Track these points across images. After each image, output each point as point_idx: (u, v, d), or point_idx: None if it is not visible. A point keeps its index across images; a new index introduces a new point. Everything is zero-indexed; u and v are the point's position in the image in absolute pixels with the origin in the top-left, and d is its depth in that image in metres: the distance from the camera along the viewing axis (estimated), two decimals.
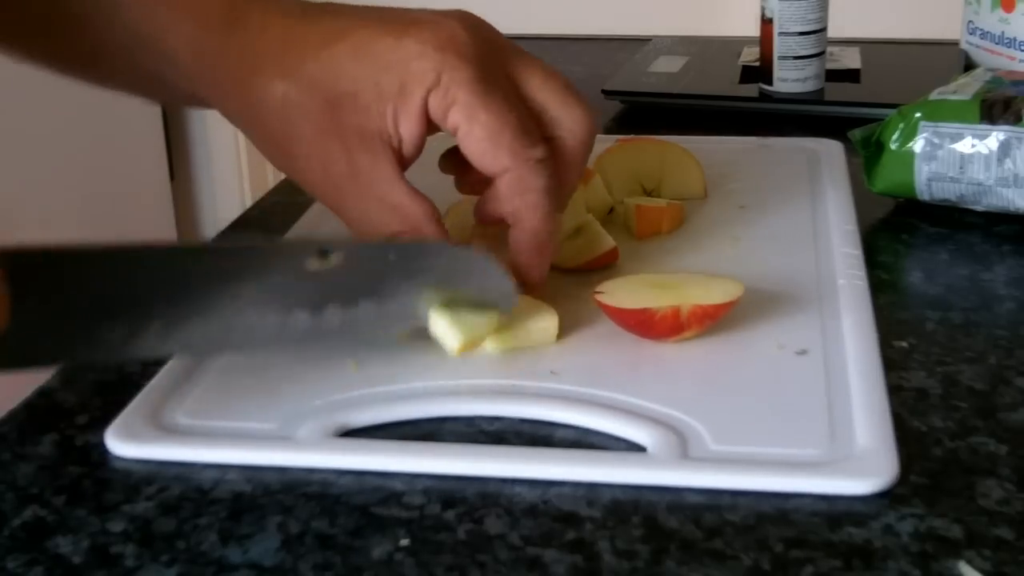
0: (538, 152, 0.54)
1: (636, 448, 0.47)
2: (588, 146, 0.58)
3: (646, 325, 0.53)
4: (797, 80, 0.91)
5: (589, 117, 0.57)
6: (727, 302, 0.53)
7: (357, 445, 0.48)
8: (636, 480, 0.45)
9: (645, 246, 0.65)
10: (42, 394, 0.54)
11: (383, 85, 0.54)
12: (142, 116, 2.05)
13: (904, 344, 0.55)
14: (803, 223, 0.67)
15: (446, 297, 0.53)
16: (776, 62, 0.91)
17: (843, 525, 0.43)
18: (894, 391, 0.51)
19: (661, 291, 0.54)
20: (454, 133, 0.54)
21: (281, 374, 0.53)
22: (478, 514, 0.44)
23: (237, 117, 0.57)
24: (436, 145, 0.57)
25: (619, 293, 0.54)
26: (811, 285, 0.59)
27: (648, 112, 0.94)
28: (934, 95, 0.70)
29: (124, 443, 0.49)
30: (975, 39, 0.95)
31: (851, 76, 0.97)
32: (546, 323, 0.55)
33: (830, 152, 0.77)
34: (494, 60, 0.55)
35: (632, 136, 0.74)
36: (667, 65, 1.00)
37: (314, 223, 0.69)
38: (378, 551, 0.43)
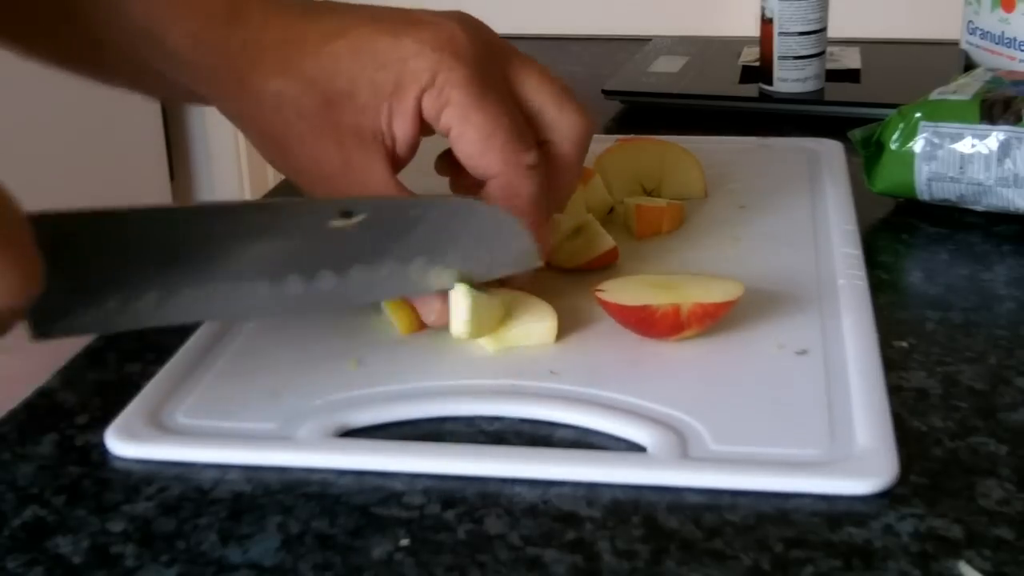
0: (529, 158, 0.54)
1: (636, 448, 0.47)
2: (583, 150, 0.58)
3: (647, 323, 0.53)
4: (797, 80, 0.91)
5: (585, 121, 0.57)
6: (727, 301, 0.53)
7: (357, 445, 0.48)
8: (636, 480, 0.45)
9: (645, 246, 0.65)
10: (42, 394, 0.54)
11: (379, 84, 0.54)
12: (142, 116, 2.05)
13: (904, 344, 0.55)
14: (803, 223, 0.67)
15: (468, 255, 0.53)
16: (776, 62, 0.91)
17: (843, 525, 0.43)
18: (894, 391, 0.51)
19: (662, 290, 0.54)
20: (447, 134, 0.54)
21: (281, 374, 0.53)
22: (478, 514, 0.44)
23: (234, 113, 0.57)
24: (437, 146, 0.57)
25: (620, 292, 0.54)
26: (811, 285, 0.59)
27: (648, 112, 0.94)
28: (934, 95, 0.70)
29: (124, 443, 0.49)
30: (975, 39, 0.95)
31: (851, 76, 0.97)
32: (545, 323, 0.55)
33: (830, 152, 0.77)
34: (491, 62, 0.55)
35: (632, 136, 0.74)
36: (667, 65, 1.00)
37: None
38: (378, 551, 0.43)
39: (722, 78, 0.98)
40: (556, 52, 1.13)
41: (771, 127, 0.86)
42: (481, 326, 0.53)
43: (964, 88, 0.70)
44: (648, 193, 0.71)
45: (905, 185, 0.70)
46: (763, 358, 0.53)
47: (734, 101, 0.93)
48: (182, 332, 0.56)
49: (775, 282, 0.59)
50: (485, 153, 0.54)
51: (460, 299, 0.52)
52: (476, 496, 0.45)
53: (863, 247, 0.63)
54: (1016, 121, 0.66)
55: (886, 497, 0.44)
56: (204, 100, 0.59)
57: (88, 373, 0.55)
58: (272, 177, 2.26)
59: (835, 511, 0.44)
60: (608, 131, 0.88)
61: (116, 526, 0.44)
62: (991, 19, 0.93)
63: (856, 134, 0.72)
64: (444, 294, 0.53)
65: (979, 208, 0.69)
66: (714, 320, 0.54)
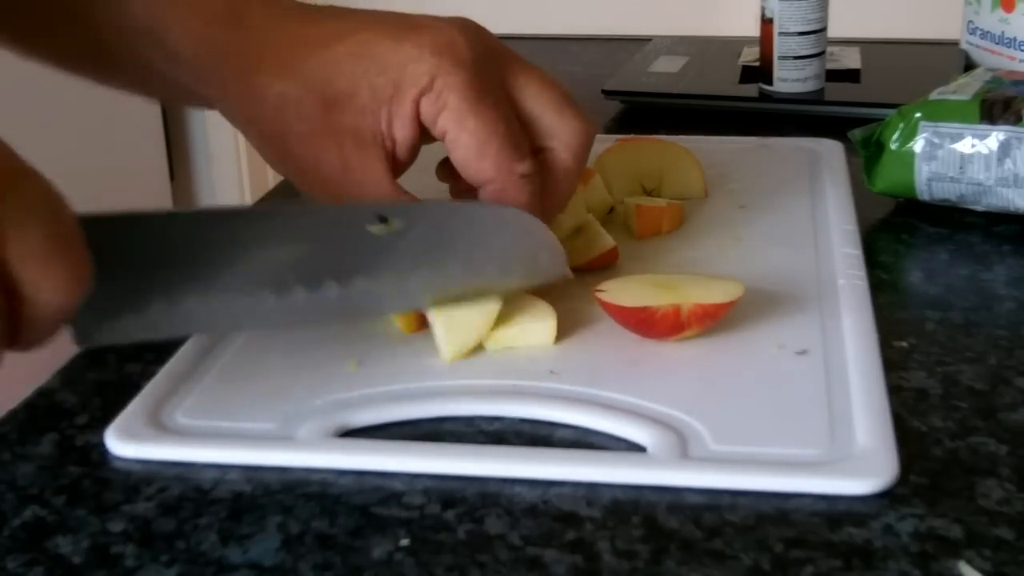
0: (523, 167, 0.54)
1: (636, 448, 0.47)
2: (583, 158, 0.57)
3: (647, 324, 0.53)
4: (797, 80, 0.91)
5: (585, 128, 0.57)
6: (727, 302, 0.53)
7: (357, 445, 0.48)
8: (636, 480, 0.45)
9: (645, 246, 0.65)
10: (42, 394, 0.54)
11: (379, 87, 0.54)
12: (142, 116, 2.05)
13: (904, 344, 0.55)
14: (803, 223, 0.67)
15: (499, 265, 0.53)
16: (776, 62, 0.91)
17: (843, 525, 0.43)
18: (894, 391, 0.51)
19: (662, 290, 0.54)
20: (442, 139, 0.54)
21: (281, 374, 0.53)
22: (478, 514, 0.44)
23: (235, 115, 0.57)
24: (437, 147, 0.57)
25: (620, 292, 0.54)
26: (811, 285, 0.59)
27: (648, 112, 0.94)
28: (934, 95, 0.70)
29: (124, 443, 0.49)
30: (975, 39, 0.95)
31: (851, 76, 0.97)
32: (545, 323, 0.55)
33: (830, 152, 0.77)
34: (491, 68, 0.55)
35: (632, 136, 0.74)
36: (667, 65, 1.00)
37: None
38: (378, 551, 0.43)
39: (722, 78, 0.98)
40: (556, 52, 1.13)
41: (771, 127, 0.86)
42: (465, 344, 0.53)
43: (964, 88, 0.70)
44: (648, 193, 0.71)
45: (905, 185, 0.70)
46: (763, 358, 0.53)
47: (734, 101, 0.93)
48: None
49: (775, 282, 0.59)
50: (479, 160, 0.54)
51: (436, 323, 0.52)
52: (476, 496, 0.45)
53: (863, 247, 0.63)
54: (1016, 121, 0.66)
55: (886, 497, 0.44)
56: (205, 101, 0.59)
57: (88, 373, 0.55)
58: (272, 178, 2.26)
59: (835, 511, 0.44)
60: (608, 131, 0.88)
61: (116, 526, 0.44)
62: (991, 19, 0.93)
63: (856, 134, 0.72)
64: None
65: (979, 208, 0.69)
66: (714, 320, 0.54)
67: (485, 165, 0.54)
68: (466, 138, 0.54)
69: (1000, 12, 0.92)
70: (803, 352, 0.53)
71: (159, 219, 0.48)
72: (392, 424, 0.50)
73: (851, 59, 1.00)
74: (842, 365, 0.52)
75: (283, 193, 0.79)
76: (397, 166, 0.55)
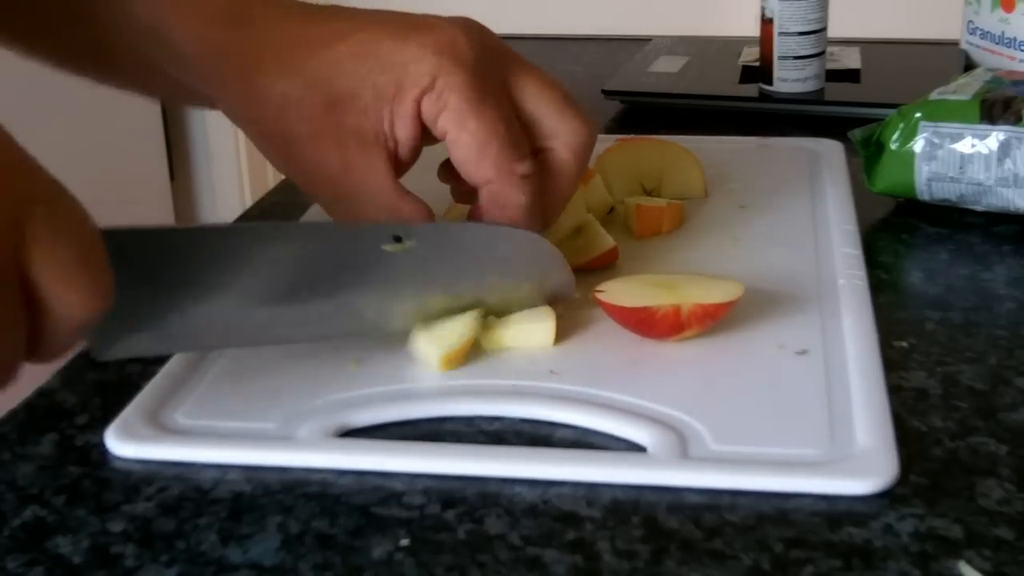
0: (523, 168, 0.54)
1: (636, 448, 0.47)
2: (583, 159, 0.57)
3: (647, 324, 0.53)
4: (797, 80, 0.91)
5: (586, 129, 0.57)
6: (727, 301, 0.53)
7: (357, 445, 0.48)
8: (636, 480, 0.45)
9: (645, 246, 0.65)
10: (42, 394, 0.54)
11: (381, 86, 0.54)
12: (142, 116, 2.05)
13: (904, 344, 0.55)
14: (803, 223, 0.67)
15: (508, 284, 0.54)
16: (776, 62, 0.91)
17: (843, 525, 0.43)
18: (894, 391, 0.51)
19: (662, 290, 0.54)
20: (443, 138, 0.54)
21: (281, 374, 0.53)
22: (478, 514, 0.44)
23: (237, 114, 0.57)
24: (439, 148, 0.57)
25: (620, 292, 0.54)
26: (811, 285, 0.59)
27: (648, 112, 0.94)
28: (934, 95, 0.70)
29: (124, 443, 0.49)
30: (975, 39, 0.95)
31: (851, 76, 0.97)
32: (544, 324, 0.54)
33: (830, 152, 0.77)
34: (493, 68, 0.55)
35: (632, 136, 0.74)
36: (667, 65, 1.00)
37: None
38: (378, 551, 0.43)
39: (722, 78, 0.98)
40: (556, 52, 1.13)
41: (771, 127, 0.86)
42: (453, 360, 0.52)
43: (964, 88, 0.70)
44: (648, 193, 0.71)
45: (905, 185, 0.70)
46: (763, 358, 0.53)
47: (734, 101, 0.93)
48: None
49: (775, 282, 0.59)
50: (479, 160, 0.54)
51: (421, 343, 0.53)
52: (476, 496, 0.45)
53: (863, 247, 0.63)
54: (1016, 121, 0.66)
55: (886, 497, 0.44)
56: (207, 101, 0.59)
57: (88, 373, 0.55)
58: (272, 177, 2.26)
59: (835, 511, 0.44)
60: (608, 131, 0.88)
61: (116, 526, 0.44)
62: (991, 19, 0.93)
63: (856, 134, 0.72)
64: None
65: (979, 208, 0.69)
66: (714, 320, 0.54)
67: (485, 165, 0.54)
68: (466, 138, 0.54)
69: (1000, 12, 0.92)
70: (803, 352, 0.53)
71: (176, 234, 0.49)
72: (392, 424, 0.50)
73: (851, 59, 1.00)
74: (842, 365, 0.52)
75: (283, 192, 0.79)
76: (399, 166, 0.55)
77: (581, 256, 0.61)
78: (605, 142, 0.71)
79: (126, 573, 0.42)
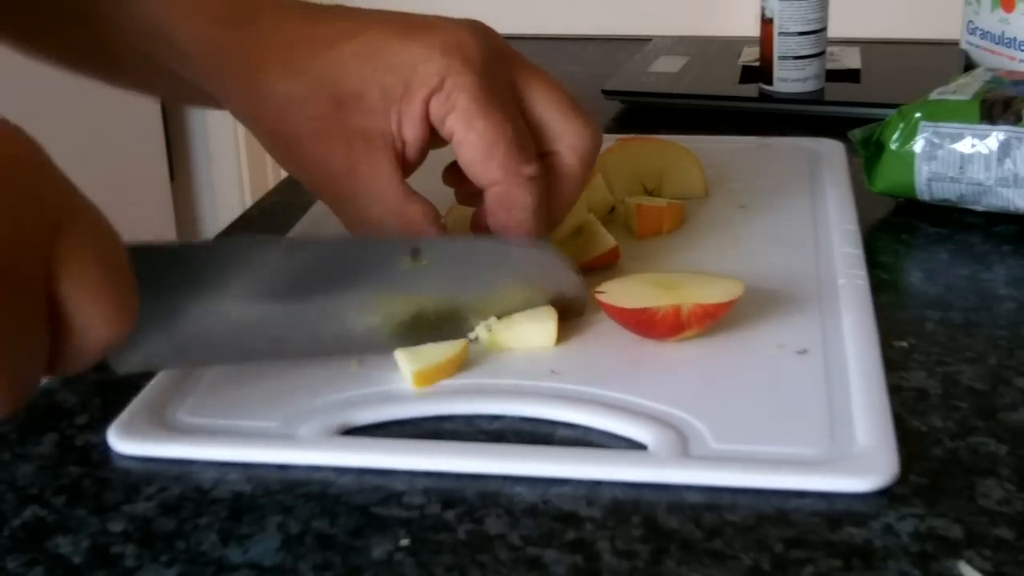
0: (530, 169, 0.54)
1: (637, 447, 0.47)
2: (588, 163, 0.57)
3: (647, 324, 0.53)
4: (797, 80, 0.91)
5: (591, 133, 0.57)
6: (728, 301, 0.53)
7: (358, 443, 0.48)
8: (636, 478, 0.45)
9: (646, 245, 0.65)
10: (42, 394, 0.54)
11: (388, 87, 0.54)
12: (142, 116, 2.05)
13: (904, 344, 0.55)
14: (803, 222, 0.67)
15: (525, 297, 0.55)
16: (776, 62, 0.91)
17: (843, 525, 0.43)
18: (894, 391, 0.51)
19: (662, 290, 0.54)
20: (450, 139, 0.54)
21: (283, 373, 0.53)
22: (478, 514, 0.44)
23: (242, 113, 0.57)
24: (443, 150, 0.57)
25: (620, 293, 0.54)
26: (811, 284, 0.59)
27: (648, 112, 0.94)
28: (934, 95, 0.70)
29: (126, 441, 0.49)
30: (975, 39, 0.95)
31: (851, 76, 0.97)
32: (545, 325, 0.54)
33: (830, 151, 0.77)
34: (500, 70, 0.55)
35: (633, 135, 0.74)
36: (667, 65, 1.00)
37: (315, 224, 0.69)
38: (378, 551, 0.43)
39: (722, 78, 0.98)
40: (555, 52, 1.13)
41: (771, 127, 0.86)
42: (431, 377, 0.52)
43: (964, 88, 0.70)
44: (649, 192, 0.71)
45: (905, 185, 0.70)
46: (763, 357, 0.53)
47: (734, 101, 0.93)
48: None
49: (775, 282, 0.59)
50: (486, 161, 0.54)
51: (400, 356, 0.53)
52: (476, 496, 0.45)
53: (863, 247, 0.63)
54: (1016, 121, 0.66)
55: (886, 497, 0.44)
56: (213, 100, 0.59)
57: (88, 373, 0.55)
58: (272, 177, 2.26)
59: (835, 511, 0.44)
60: (608, 131, 0.87)
61: (116, 526, 0.44)
62: (991, 19, 0.93)
63: (856, 134, 0.72)
64: None
65: (979, 208, 0.69)
66: (714, 320, 0.54)
67: (492, 166, 0.54)
68: (474, 139, 0.53)
69: (1000, 12, 0.92)
70: (803, 351, 0.53)
71: (196, 249, 0.49)
72: (392, 424, 0.50)
73: (851, 59, 1.00)
74: (842, 364, 0.52)
75: (283, 192, 0.79)
76: (406, 167, 0.55)
77: (582, 256, 0.61)
78: (606, 142, 0.71)
79: (126, 573, 0.42)
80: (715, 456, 0.46)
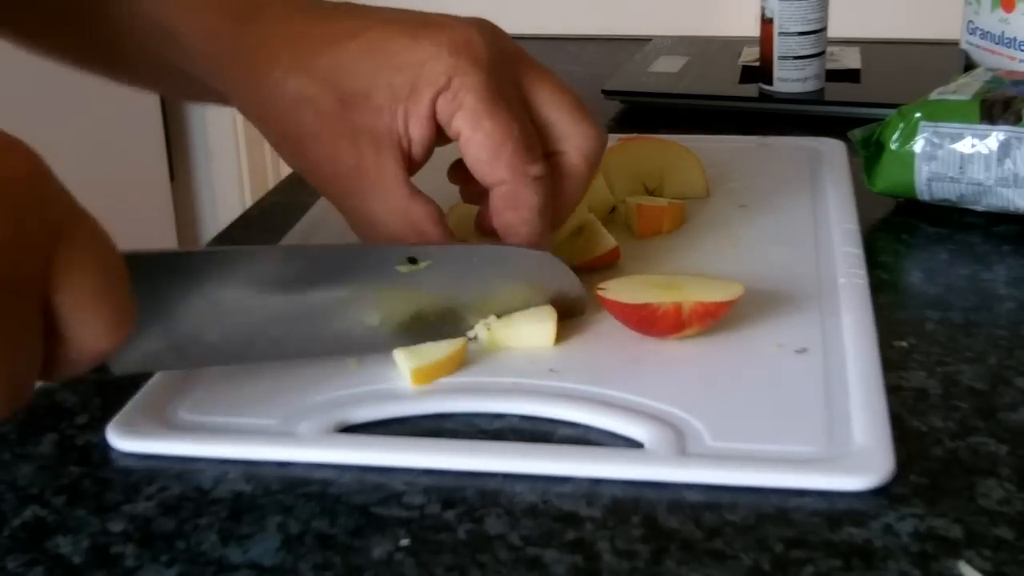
0: (536, 169, 0.54)
1: (635, 445, 0.47)
2: (593, 163, 0.57)
3: (648, 321, 0.53)
4: (797, 80, 0.91)
5: (597, 134, 0.57)
6: (728, 300, 0.53)
7: (358, 441, 0.48)
8: (632, 476, 0.46)
9: (646, 245, 0.65)
10: (42, 394, 0.54)
11: (395, 86, 0.54)
12: (142, 116, 2.05)
13: (904, 344, 0.55)
14: (804, 222, 0.67)
15: (525, 296, 0.55)
16: (776, 62, 0.91)
17: (843, 525, 0.43)
18: (894, 391, 0.51)
19: (663, 290, 0.54)
20: (457, 138, 0.54)
21: (283, 370, 0.53)
22: (478, 514, 0.44)
23: (249, 110, 0.57)
24: (449, 148, 0.57)
25: (621, 290, 0.54)
26: (811, 284, 0.59)
27: (648, 112, 0.94)
28: (934, 95, 0.70)
29: (126, 439, 0.49)
30: (975, 39, 0.95)
31: (851, 76, 0.97)
32: (545, 324, 0.55)
33: (831, 151, 0.77)
34: (507, 69, 0.55)
35: (634, 135, 0.74)
36: (667, 65, 1.00)
37: (314, 224, 0.69)
38: (378, 551, 0.43)
39: (722, 78, 0.98)
40: (556, 52, 1.13)
41: (771, 127, 0.86)
42: (429, 375, 0.52)
43: (964, 88, 0.70)
44: (650, 192, 0.71)
45: (905, 185, 0.70)
46: (762, 356, 0.53)
47: (734, 101, 0.93)
48: None
49: (775, 281, 0.59)
50: (493, 161, 0.54)
51: (398, 354, 0.53)
52: (476, 496, 0.45)
53: (863, 247, 0.63)
54: (1016, 121, 0.66)
55: (886, 497, 0.44)
56: (221, 97, 0.59)
57: (88, 373, 0.55)
58: (272, 178, 2.26)
59: (835, 511, 0.44)
60: (608, 131, 0.87)
61: (116, 526, 0.44)
62: (991, 19, 0.93)
63: (856, 134, 0.72)
64: None
65: (979, 208, 0.69)
66: (715, 319, 0.54)
67: (499, 166, 0.54)
68: (481, 138, 0.54)
69: (1000, 12, 0.92)
70: (802, 351, 0.53)
71: (192, 256, 0.49)
72: (392, 422, 0.50)
73: (851, 59, 1.00)
74: (841, 363, 0.52)
75: (283, 192, 0.79)
76: (411, 165, 0.55)
77: (582, 255, 0.61)
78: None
79: (126, 573, 0.42)
80: (712, 454, 0.46)
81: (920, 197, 0.70)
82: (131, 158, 2.03)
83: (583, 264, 0.61)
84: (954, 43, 0.98)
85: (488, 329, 0.54)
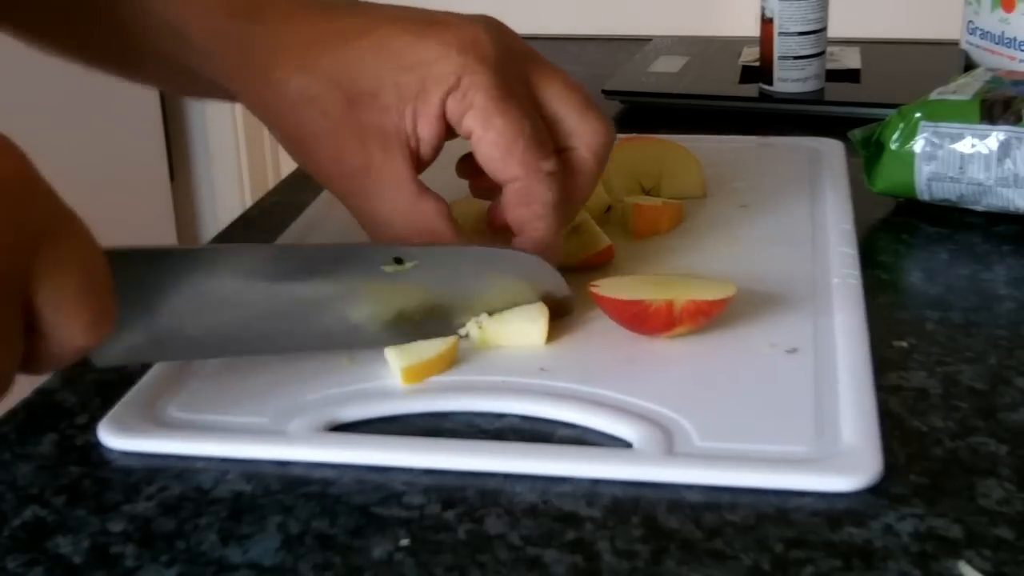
0: (549, 164, 0.55)
1: (625, 445, 0.47)
2: (603, 159, 0.58)
3: (639, 318, 0.53)
4: (797, 80, 0.91)
5: (606, 130, 0.57)
6: (721, 299, 0.53)
7: (357, 441, 0.48)
8: (619, 475, 0.46)
9: (643, 245, 0.65)
10: (42, 394, 0.54)
11: (403, 85, 0.54)
12: (142, 116, 2.05)
13: (904, 344, 0.55)
14: (802, 222, 0.67)
15: (514, 293, 0.55)
16: (776, 62, 0.91)
17: (843, 525, 0.43)
18: (894, 391, 0.51)
19: (656, 288, 0.54)
20: (468, 137, 0.55)
21: (275, 369, 0.53)
22: (478, 514, 0.44)
23: (257, 108, 0.57)
24: (455, 144, 0.57)
25: (614, 288, 0.54)
26: (805, 284, 0.59)
27: (648, 112, 0.94)
28: (934, 95, 0.70)
29: (117, 436, 0.49)
30: (975, 39, 0.95)
31: (851, 76, 0.97)
32: (536, 323, 0.55)
33: (831, 151, 0.77)
34: (515, 67, 0.55)
35: (633, 135, 0.74)
36: (667, 65, 1.00)
37: (311, 224, 0.69)
38: (378, 551, 0.43)
39: (722, 78, 0.98)
40: (555, 52, 1.12)
41: (771, 127, 0.86)
42: (420, 373, 0.52)
43: (964, 88, 0.70)
44: (647, 192, 0.71)
45: (905, 185, 0.70)
46: (754, 356, 0.53)
47: (734, 101, 0.93)
48: None
49: (771, 281, 0.59)
50: (506, 158, 0.54)
51: (389, 353, 0.53)
52: (476, 496, 0.45)
53: (863, 247, 0.63)
54: (1016, 121, 0.66)
55: (886, 497, 0.44)
56: (229, 95, 0.59)
57: (88, 373, 0.55)
58: (272, 178, 2.26)
59: (835, 511, 0.44)
60: None
61: (116, 526, 0.44)
62: (991, 19, 0.93)
63: (856, 134, 0.72)
64: None
65: (979, 208, 0.69)
66: (707, 318, 0.54)
67: (512, 163, 0.54)
68: (493, 136, 0.54)
69: (1000, 12, 0.92)
70: (793, 350, 0.53)
71: (177, 252, 0.49)
72: (389, 422, 0.50)
73: (851, 59, 1.00)
74: (832, 363, 0.52)
75: (283, 192, 0.79)
76: (419, 164, 0.55)
77: (576, 254, 0.61)
78: None
79: (126, 573, 0.42)
80: (700, 454, 0.46)
81: (920, 197, 0.70)
82: (131, 158, 2.03)
83: (577, 263, 0.61)
84: (954, 43, 0.98)
85: (479, 327, 0.54)
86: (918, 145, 0.69)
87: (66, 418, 0.52)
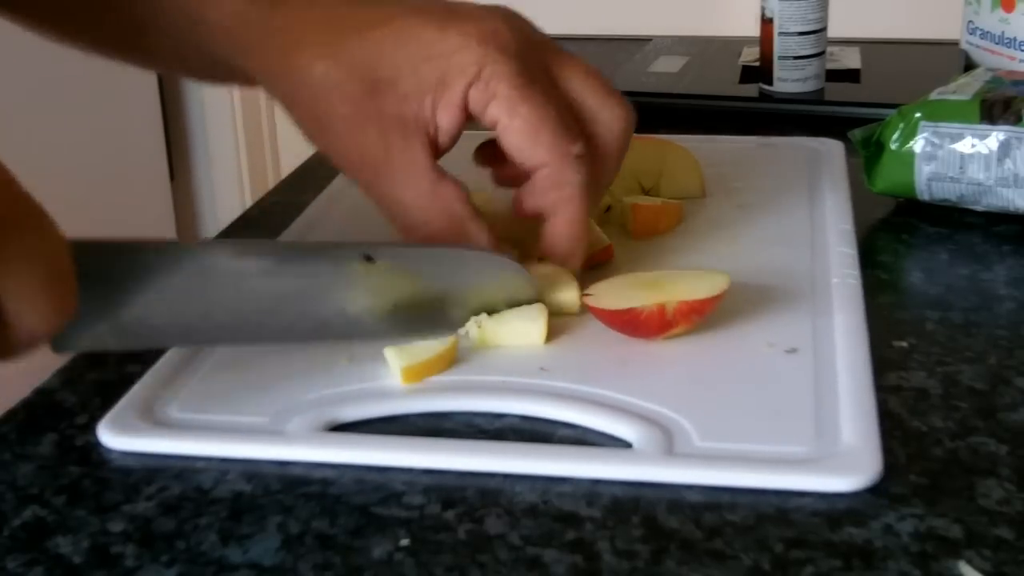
0: (576, 148, 0.55)
1: (624, 444, 0.47)
2: (625, 142, 0.58)
3: (632, 325, 0.53)
4: (797, 80, 0.91)
5: (627, 114, 0.58)
6: (713, 296, 0.53)
7: (357, 440, 0.48)
8: (619, 476, 0.46)
9: (642, 245, 0.65)
10: (42, 394, 0.54)
11: (423, 75, 0.54)
12: (142, 116, 2.05)
13: (904, 344, 0.55)
14: (801, 222, 0.67)
15: (480, 297, 0.55)
16: (776, 62, 0.91)
17: (843, 525, 0.43)
18: (894, 391, 0.51)
19: (648, 290, 0.54)
20: (493, 127, 0.55)
21: (274, 368, 0.53)
22: (478, 514, 0.44)
23: (277, 94, 0.58)
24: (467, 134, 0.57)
25: (607, 294, 0.54)
26: (805, 284, 0.59)
27: (648, 112, 0.93)
28: (934, 95, 0.70)
29: (116, 436, 0.49)
30: (975, 39, 0.95)
31: (851, 76, 0.97)
32: (536, 323, 0.55)
33: (830, 151, 0.77)
34: (534, 55, 0.56)
35: (633, 135, 0.74)
36: (667, 65, 1.00)
37: (310, 224, 0.69)
38: (378, 551, 0.43)
39: (722, 78, 0.98)
40: None
41: (771, 127, 0.86)
42: (419, 373, 0.52)
43: (964, 88, 0.70)
44: (646, 192, 0.71)
45: (905, 185, 0.70)
46: (753, 356, 0.53)
47: (734, 101, 0.93)
48: None
49: (769, 281, 0.59)
50: (533, 145, 0.54)
51: (389, 353, 0.53)
52: (476, 496, 0.45)
53: (863, 247, 0.63)
54: (1016, 121, 0.66)
55: (886, 497, 0.44)
56: (248, 80, 0.59)
57: (88, 373, 0.55)
58: (272, 178, 2.26)
59: (835, 511, 0.44)
60: None
61: (116, 526, 0.44)
62: (991, 19, 0.93)
63: (856, 134, 0.72)
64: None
65: (979, 208, 0.69)
66: (701, 316, 0.54)
67: (539, 150, 0.54)
68: (519, 124, 0.54)
69: (1000, 12, 0.92)
70: (792, 350, 0.53)
71: (145, 245, 0.49)
72: (389, 422, 0.50)
73: (851, 59, 1.00)
74: (831, 363, 0.52)
75: (283, 192, 0.79)
76: (437, 152, 0.56)
77: None
78: None
79: (126, 573, 0.42)
80: (699, 454, 0.46)
81: (920, 197, 0.70)
82: (131, 158, 2.03)
83: None
84: (954, 43, 0.98)
85: (479, 327, 0.54)
86: (918, 145, 0.69)
87: (66, 418, 0.52)
